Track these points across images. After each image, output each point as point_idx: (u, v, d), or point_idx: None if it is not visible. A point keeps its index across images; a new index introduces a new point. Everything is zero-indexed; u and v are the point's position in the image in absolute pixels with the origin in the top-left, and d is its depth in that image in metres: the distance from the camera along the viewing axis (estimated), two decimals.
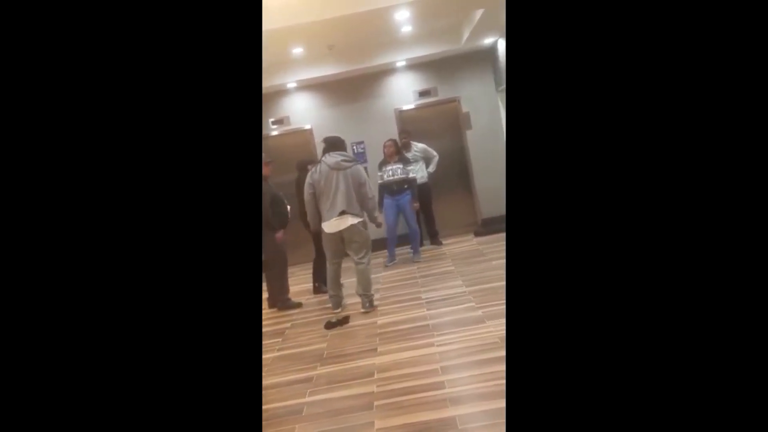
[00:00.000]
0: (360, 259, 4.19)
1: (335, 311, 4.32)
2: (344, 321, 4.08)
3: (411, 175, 5.67)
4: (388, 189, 5.65)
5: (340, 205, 4.05)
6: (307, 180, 4.19)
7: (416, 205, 5.70)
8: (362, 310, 4.23)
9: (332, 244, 4.20)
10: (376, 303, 4.41)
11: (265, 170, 4.60)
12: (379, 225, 4.52)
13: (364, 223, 4.19)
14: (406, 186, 5.62)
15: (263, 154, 4.72)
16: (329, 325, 4.03)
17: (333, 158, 4.13)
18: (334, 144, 4.27)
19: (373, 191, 4.27)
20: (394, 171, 5.61)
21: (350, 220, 4.07)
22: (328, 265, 4.32)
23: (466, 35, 5.85)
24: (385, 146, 5.74)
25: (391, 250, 5.85)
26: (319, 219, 4.19)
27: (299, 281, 5.57)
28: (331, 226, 4.11)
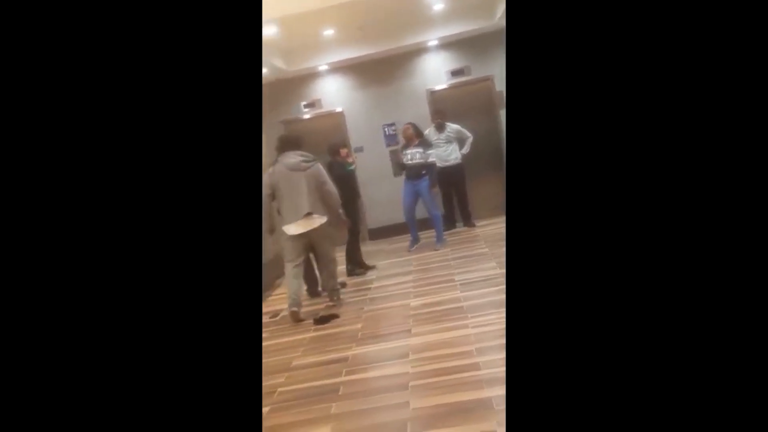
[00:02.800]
0: (331, 258, 4.21)
1: (291, 309, 4.06)
2: (333, 317, 3.98)
3: (431, 159, 5.51)
4: (407, 173, 5.56)
5: (305, 207, 3.91)
6: (265, 180, 3.98)
7: (435, 189, 5.58)
8: (330, 303, 4.28)
9: (296, 245, 4.02)
10: (410, 285, 4.43)
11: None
12: (344, 222, 4.38)
13: (329, 222, 4.11)
14: (424, 171, 5.48)
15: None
16: (318, 321, 3.96)
17: (291, 158, 3.98)
18: (290, 143, 4.11)
19: (334, 188, 4.12)
20: (413, 155, 5.47)
21: (317, 221, 3.97)
22: (287, 265, 4.11)
23: (499, 12, 5.72)
24: (403, 130, 5.64)
25: (413, 234, 5.81)
26: (275, 221, 4.09)
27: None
28: (296, 227, 3.95)
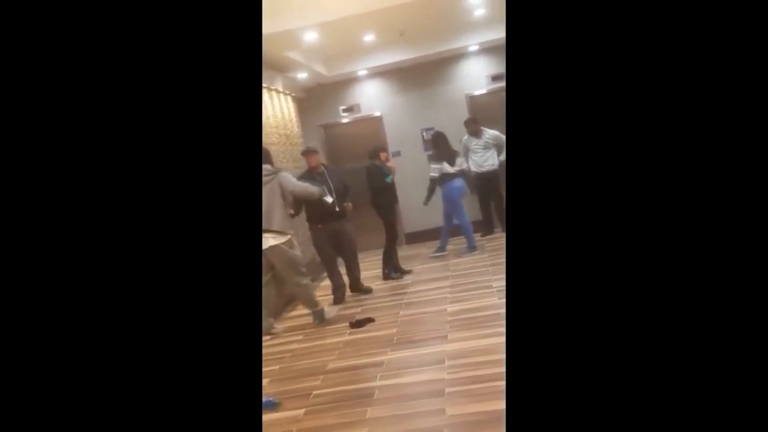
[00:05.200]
0: (295, 282, 3.97)
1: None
2: (368, 321, 3.96)
3: (431, 173, 5.57)
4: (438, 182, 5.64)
5: (263, 223, 3.77)
6: None
7: (462, 199, 5.58)
8: (316, 326, 4.10)
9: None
10: (447, 290, 4.40)
11: (313, 161, 4.50)
12: (331, 205, 4.35)
13: (289, 243, 3.87)
14: (450, 179, 5.52)
15: (310, 144, 4.74)
16: (354, 325, 3.95)
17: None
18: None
19: (300, 186, 3.99)
20: (432, 168, 5.61)
21: (270, 241, 3.79)
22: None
23: None
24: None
25: (442, 241, 5.78)
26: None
27: (371, 266, 5.64)
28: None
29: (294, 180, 4.04)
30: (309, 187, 4.11)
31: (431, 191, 5.67)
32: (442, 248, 5.79)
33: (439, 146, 5.61)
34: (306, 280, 4.03)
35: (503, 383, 2.56)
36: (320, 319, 4.11)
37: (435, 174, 5.56)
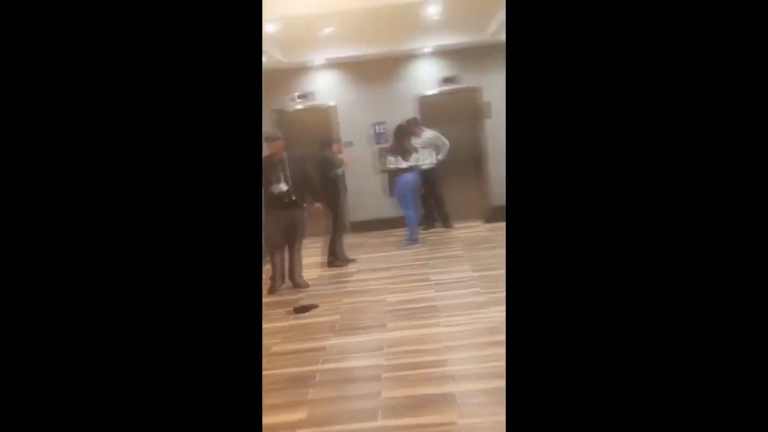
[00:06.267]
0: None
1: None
2: (312, 307, 4.16)
3: (388, 165, 5.90)
4: None
5: None
6: None
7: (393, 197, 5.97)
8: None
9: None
10: (388, 281, 4.64)
11: (274, 147, 4.54)
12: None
13: None
14: (402, 172, 5.84)
15: (274, 129, 4.82)
16: (298, 310, 4.14)
17: None
18: None
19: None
20: None
21: None
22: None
23: (493, 27, 5.94)
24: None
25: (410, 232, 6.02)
26: None
27: (317, 253, 5.81)
28: None
29: None
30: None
31: (391, 183, 5.93)
32: (412, 240, 5.96)
33: (399, 140, 5.87)
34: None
35: (435, 370, 2.84)
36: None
37: (391, 166, 5.84)
